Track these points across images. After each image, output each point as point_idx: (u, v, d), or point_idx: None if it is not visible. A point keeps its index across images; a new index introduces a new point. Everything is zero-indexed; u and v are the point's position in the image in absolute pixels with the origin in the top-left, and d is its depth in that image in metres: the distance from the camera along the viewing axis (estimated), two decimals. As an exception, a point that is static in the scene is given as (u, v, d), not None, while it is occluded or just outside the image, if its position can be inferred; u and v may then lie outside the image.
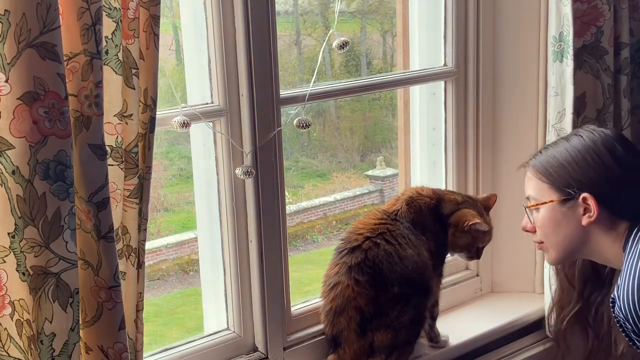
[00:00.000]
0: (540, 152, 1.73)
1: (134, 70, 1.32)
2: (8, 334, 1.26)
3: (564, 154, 1.67)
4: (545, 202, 1.68)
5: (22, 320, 1.24)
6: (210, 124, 1.71)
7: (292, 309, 1.90)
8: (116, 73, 1.31)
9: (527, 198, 1.74)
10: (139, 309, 1.42)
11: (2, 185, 1.18)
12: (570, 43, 1.94)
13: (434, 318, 1.94)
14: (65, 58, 1.20)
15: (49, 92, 1.16)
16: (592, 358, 1.93)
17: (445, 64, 2.14)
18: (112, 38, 1.29)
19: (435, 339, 1.97)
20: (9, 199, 1.18)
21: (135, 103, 1.34)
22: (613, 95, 2.04)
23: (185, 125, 1.59)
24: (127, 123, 1.34)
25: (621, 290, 1.53)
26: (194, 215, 1.86)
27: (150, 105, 1.36)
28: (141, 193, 1.38)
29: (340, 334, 1.79)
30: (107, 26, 1.28)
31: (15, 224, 1.19)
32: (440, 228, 1.88)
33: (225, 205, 1.76)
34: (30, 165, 1.17)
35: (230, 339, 1.82)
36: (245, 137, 1.72)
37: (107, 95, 1.29)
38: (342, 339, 1.79)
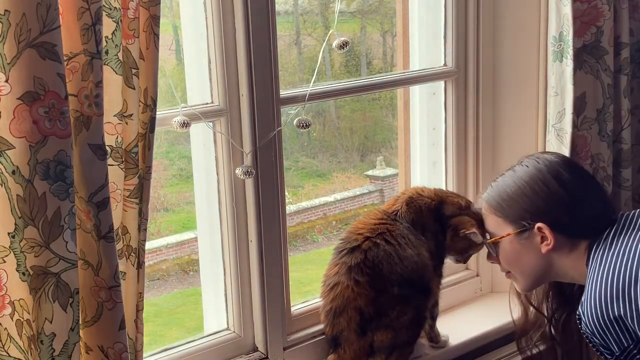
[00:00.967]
0: (491, 185, 1.76)
1: (134, 70, 1.32)
2: (8, 334, 1.26)
3: (512, 186, 1.70)
4: (503, 236, 1.71)
5: (22, 320, 1.24)
6: (210, 124, 1.71)
7: (292, 309, 1.90)
8: (116, 73, 1.31)
9: (487, 233, 1.77)
10: (139, 309, 1.42)
11: (2, 185, 1.18)
12: (570, 43, 1.94)
13: (434, 318, 1.94)
14: (65, 58, 1.20)
15: (49, 92, 1.16)
16: None
17: (445, 64, 2.14)
18: (112, 38, 1.29)
19: (435, 339, 1.97)
20: (9, 199, 1.18)
21: (135, 103, 1.34)
22: (613, 95, 2.04)
23: (185, 125, 1.60)
24: (127, 123, 1.34)
25: (585, 307, 1.55)
26: (194, 215, 1.86)
27: (150, 105, 1.36)
28: (141, 193, 1.38)
29: (340, 334, 1.79)
30: (107, 26, 1.28)
31: (15, 224, 1.19)
32: (441, 229, 1.89)
33: (225, 205, 1.76)
34: (30, 165, 1.17)
35: (230, 339, 1.82)
36: (245, 137, 1.72)
37: (107, 95, 1.29)
38: (342, 339, 1.79)
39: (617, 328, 1.49)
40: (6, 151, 1.16)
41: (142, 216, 1.39)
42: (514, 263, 1.73)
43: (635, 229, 1.60)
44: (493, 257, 1.77)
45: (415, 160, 2.25)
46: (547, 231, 1.65)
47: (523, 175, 1.70)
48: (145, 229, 1.40)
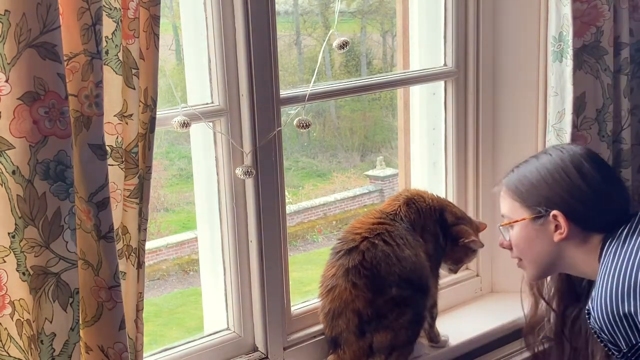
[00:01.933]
0: (513, 170, 1.77)
1: (134, 70, 1.32)
2: (8, 333, 1.26)
3: (534, 172, 1.71)
4: (518, 220, 1.72)
5: (22, 320, 1.24)
6: (210, 124, 1.71)
7: (292, 309, 1.90)
8: (116, 73, 1.31)
9: (502, 216, 1.78)
10: (139, 309, 1.42)
11: (2, 185, 1.18)
12: (570, 43, 1.94)
13: (433, 318, 1.94)
14: (65, 58, 1.20)
15: (49, 92, 1.16)
16: None
17: (445, 64, 2.14)
18: (112, 38, 1.29)
19: (435, 339, 1.97)
20: (9, 199, 1.18)
21: (135, 103, 1.34)
22: (613, 95, 2.04)
23: (185, 125, 1.60)
24: (127, 123, 1.34)
25: (595, 302, 1.55)
26: (194, 215, 1.86)
27: (150, 105, 1.36)
28: (141, 193, 1.38)
29: (340, 336, 1.79)
30: (107, 26, 1.28)
31: (16, 224, 1.19)
32: (441, 233, 1.91)
33: (225, 205, 1.76)
34: (30, 165, 1.17)
35: (230, 338, 1.82)
36: (245, 137, 1.72)
37: (107, 95, 1.29)
38: (342, 340, 1.79)
39: (626, 325, 1.49)
40: (6, 151, 1.16)
41: (142, 216, 1.39)
42: (525, 249, 1.73)
43: None
44: (505, 242, 1.77)
45: (415, 160, 2.25)
46: (561, 219, 1.65)
47: (545, 162, 1.71)
48: (145, 229, 1.40)
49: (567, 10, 1.93)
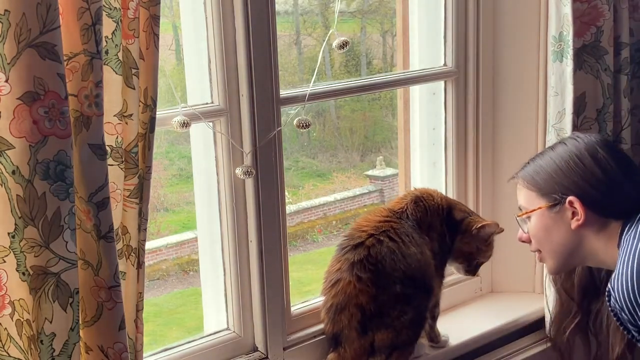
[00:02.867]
0: (528, 162, 1.78)
1: (134, 70, 1.32)
2: (8, 334, 1.26)
3: (550, 162, 1.72)
4: (534, 210, 1.72)
5: (22, 320, 1.24)
6: (210, 124, 1.71)
7: (292, 309, 1.90)
8: (116, 73, 1.31)
9: (519, 208, 1.78)
10: (139, 309, 1.42)
11: (2, 185, 1.18)
12: (570, 43, 1.94)
13: (434, 318, 1.94)
14: (65, 58, 1.20)
15: (49, 92, 1.16)
16: None
17: (445, 64, 2.14)
18: (112, 38, 1.29)
19: (435, 339, 1.97)
20: (9, 199, 1.18)
21: (135, 103, 1.34)
22: (613, 95, 2.04)
23: (185, 125, 1.60)
24: (127, 123, 1.34)
25: (616, 281, 1.55)
26: (194, 215, 1.86)
27: (150, 105, 1.36)
28: (141, 193, 1.38)
29: (341, 333, 1.79)
30: (107, 26, 1.28)
31: (15, 224, 1.19)
32: (448, 232, 1.90)
33: (225, 205, 1.76)
34: (30, 165, 1.17)
35: (230, 338, 1.82)
36: (245, 137, 1.72)
37: (107, 95, 1.29)
38: (343, 338, 1.79)
39: None
40: (6, 151, 1.16)
41: (142, 216, 1.39)
42: (544, 239, 1.74)
43: None
44: (524, 235, 1.78)
45: (415, 160, 2.25)
46: (578, 205, 1.66)
47: (561, 152, 1.73)
48: (145, 229, 1.40)
49: (567, 10, 1.93)
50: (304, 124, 1.77)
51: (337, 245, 1.85)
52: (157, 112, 1.38)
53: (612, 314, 1.60)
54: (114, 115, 1.33)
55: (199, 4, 1.67)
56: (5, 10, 1.12)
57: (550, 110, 2.04)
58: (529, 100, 2.17)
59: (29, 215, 1.18)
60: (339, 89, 1.93)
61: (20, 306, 1.23)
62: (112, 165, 1.33)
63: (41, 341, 1.23)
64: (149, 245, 1.46)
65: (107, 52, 1.29)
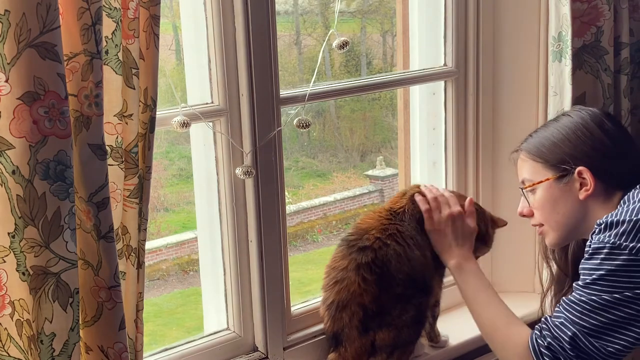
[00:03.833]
0: (531, 135, 1.78)
1: (134, 70, 1.32)
2: (8, 333, 1.26)
3: (555, 132, 1.72)
4: (542, 181, 1.71)
5: (22, 320, 1.24)
6: (210, 124, 1.71)
7: (292, 309, 1.90)
8: (116, 73, 1.31)
9: (522, 182, 1.77)
10: (139, 309, 1.42)
11: (2, 185, 1.18)
12: (569, 43, 1.94)
13: (434, 318, 1.94)
14: (65, 58, 1.20)
15: (49, 92, 1.16)
16: None
17: (445, 64, 2.14)
18: (112, 38, 1.29)
19: (435, 339, 1.97)
20: (9, 199, 1.18)
21: (135, 103, 1.34)
22: (613, 95, 2.04)
23: (185, 125, 1.60)
24: (127, 123, 1.34)
25: (607, 216, 1.56)
26: (194, 215, 1.86)
27: (150, 105, 1.36)
28: (141, 193, 1.38)
29: (342, 331, 1.79)
30: (107, 26, 1.28)
31: (15, 224, 1.19)
32: None
33: (225, 205, 1.76)
34: (30, 165, 1.17)
35: (230, 338, 1.82)
36: (245, 137, 1.72)
37: (107, 95, 1.29)
38: (344, 337, 1.79)
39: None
40: (6, 151, 1.16)
41: (142, 216, 1.39)
42: (550, 211, 1.72)
43: None
44: (526, 209, 1.76)
45: (415, 160, 2.25)
46: (588, 175, 1.65)
47: (566, 122, 1.72)
48: (145, 229, 1.40)
49: (566, 10, 1.93)
50: (304, 124, 1.77)
51: (340, 240, 1.84)
52: (157, 112, 1.38)
53: (587, 249, 1.58)
54: (114, 115, 1.33)
55: (199, 4, 1.67)
56: (5, 10, 1.12)
57: (550, 110, 2.04)
58: (528, 100, 2.17)
59: (29, 215, 1.18)
60: (339, 89, 1.93)
61: (20, 306, 1.23)
62: (112, 165, 1.33)
63: (41, 341, 1.23)
64: (149, 245, 1.47)
65: (107, 52, 1.29)
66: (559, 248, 1.86)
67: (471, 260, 1.82)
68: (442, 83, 2.15)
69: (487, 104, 2.18)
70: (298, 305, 1.94)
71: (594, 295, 1.52)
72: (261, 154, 1.73)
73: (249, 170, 1.70)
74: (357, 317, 1.77)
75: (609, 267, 1.51)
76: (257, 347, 1.85)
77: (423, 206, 1.83)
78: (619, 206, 1.61)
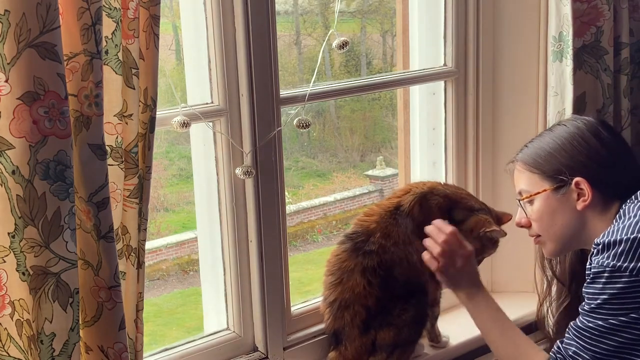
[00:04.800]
0: (527, 145, 1.76)
1: (134, 70, 1.32)
2: (8, 333, 1.26)
3: (551, 143, 1.71)
4: (539, 192, 1.70)
5: (22, 320, 1.24)
6: (210, 124, 1.71)
7: (292, 309, 1.90)
8: (116, 73, 1.31)
9: (519, 193, 1.76)
10: (139, 309, 1.42)
11: (2, 185, 1.18)
12: (570, 43, 1.94)
13: (435, 318, 1.94)
14: (65, 58, 1.20)
15: (49, 92, 1.16)
16: None
17: (445, 64, 2.14)
18: (112, 38, 1.29)
19: (436, 339, 1.97)
20: (9, 199, 1.18)
21: (135, 103, 1.34)
22: (613, 95, 2.04)
23: (185, 125, 1.60)
24: (127, 123, 1.34)
25: (602, 238, 1.54)
26: (194, 215, 1.86)
27: (150, 105, 1.36)
28: (141, 193, 1.38)
29: (342, 330, 1.79)
30: (107, 26, 1.28)
31: (15, 224, 1.19)
32: None
33: (225, 205, 1.76)
34: (30, 165, 1.17)
35: (230, 338, 1.82)
36: (245, 137, 1.72)
37: (107, 95, 1.29)
38: (344, 336, 1.79)
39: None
40: (6, 151, 1.16)
41: (142, 216, 1.39)
42: (547, 222, 1.71)
43: None
44: (523, 220, 1.75)
45: (415, 160, 2.25)
46: (585, 185, 1.65)
47: (562, 132, 1.71)
48: (145, 229, 1.40)
49: (567, 10, 1.93)
50: (304, 124, 1.77)
51: (343, 236, 1.82)
52: (157, 112, 1.38)
53: (588, 271, 1.57)
54: (114, 115, 1.33)
55: (199, 4, 1.67)
56: (5, 10, 1.12)
57: (550, 110, 2.04)
58: (529, 100, 2.17)
59: (29, 215, 1.18)
60: (339, 89, 1.93)
61: (20, 306, 1.23)
62: (112, 165, 1.33)
63: (41, 341, 1.23)
64: (149, 245, 1.47)
65: (107, 52, 1.29)
66: (556, 257, 1.87)
67: (480, 288, 1.79)
68: (442, 83, 2.15)
69: (487, 104, 2.18)
70: (298, 305, 1.94)
71: (600, 320, 1.52)
72: (261, 154, 1.73)
73: (249, 170, 1.70)
74: (359, 317, 1.77)
75: (612, 292, 1.50)
76: (257, 347, 1.85)
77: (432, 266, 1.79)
78: (614, 222, 1.60)
